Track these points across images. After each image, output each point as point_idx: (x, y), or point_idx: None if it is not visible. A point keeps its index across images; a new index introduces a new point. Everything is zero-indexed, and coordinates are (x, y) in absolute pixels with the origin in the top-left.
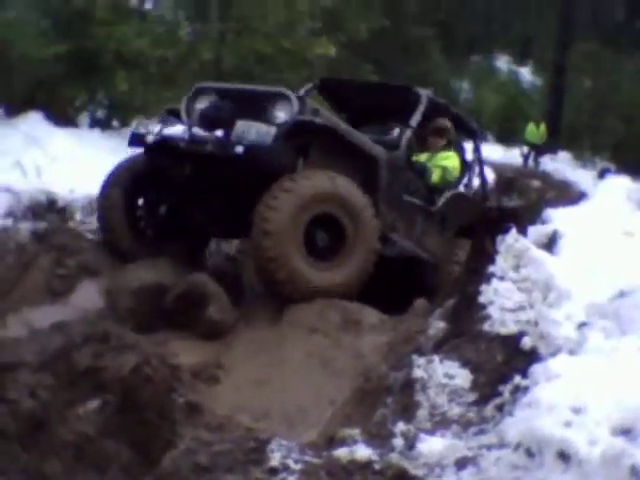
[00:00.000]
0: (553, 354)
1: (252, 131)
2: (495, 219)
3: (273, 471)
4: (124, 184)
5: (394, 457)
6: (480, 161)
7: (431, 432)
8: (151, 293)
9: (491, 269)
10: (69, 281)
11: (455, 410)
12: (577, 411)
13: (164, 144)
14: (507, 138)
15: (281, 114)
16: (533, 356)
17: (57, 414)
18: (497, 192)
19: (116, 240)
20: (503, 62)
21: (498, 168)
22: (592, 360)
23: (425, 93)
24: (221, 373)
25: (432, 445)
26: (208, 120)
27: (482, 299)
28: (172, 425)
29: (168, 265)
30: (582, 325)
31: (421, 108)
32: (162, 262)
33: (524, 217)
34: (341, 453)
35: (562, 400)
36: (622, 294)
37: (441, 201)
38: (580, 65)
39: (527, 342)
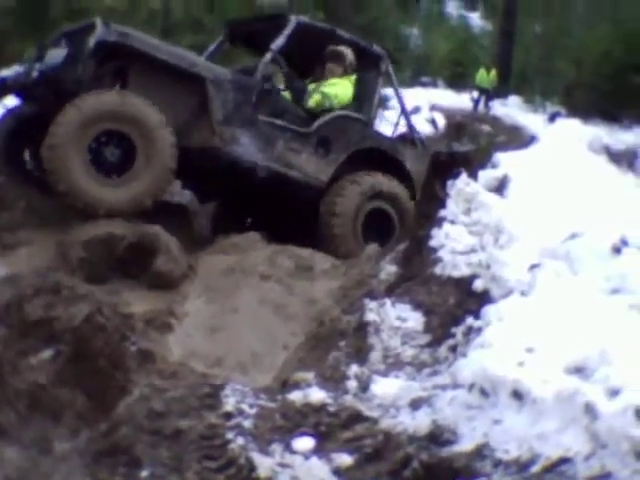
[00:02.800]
0: (505, 296)
1: (52, 57)
2: (445, 163)
3: (228, 415)
4: (7, 129)
5: (348, 399)
6: (396, 90)
7: (385, 374)
8: (102, 244)
9: (442, 213)
10: (18, 233)
11: (408, 352)
12: (530, 351)
13: (7, 85)
14: (458, 83)
15: (90, 40)
16: (485, 298)
17: (10, 365)
18: (447, 136)
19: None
20: (453, 8)
21: (448, 113)
22: (544, 301)
23: (295, 18)
24: (174, 321)
25: (386, 387)
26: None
27: (433, 243)
28: (125, 373)
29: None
30: (533, 266)
31: (286, 32)
32: None
33: (474, 161)
34: (295, 396)
35: (514, 341)
36: (573, 235)
37: (317, 123)
38: (530, 9)
39: (479, 284)
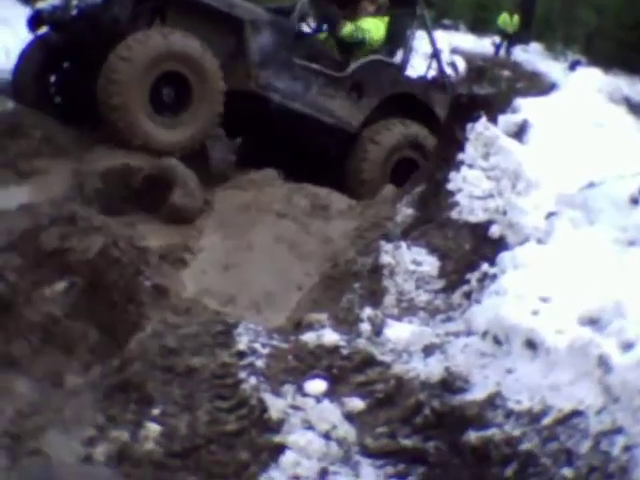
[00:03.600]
0: (521, 243)
1: None
2: (465, 106)
3: (240, 355)
4: (36, 58)
5: (361, 342)
6: (430, 34)
7: (398, 318)
8: (119, 175)
9: (460, 157)
10: (35, 161)
11: (422, 297)
12: (544, 300)
13: (42, 18)
14: (480, 28)
15: None
16: (501, 244)
17: (24, 296)
18: (467, 80)
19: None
20: None
21: (469, 57)
22: (560, 250)
23: None
24: (188, 256)
25: (399, 331)
26: None
27: (450, 186)
28: (139, 307)
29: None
30: (550, 214)
31: None
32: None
33: (494, 105)
34: (308, 338)
35: (529, 289)
36: (591, 184)
37: (352, 67)
38: None
39: (495, 230)
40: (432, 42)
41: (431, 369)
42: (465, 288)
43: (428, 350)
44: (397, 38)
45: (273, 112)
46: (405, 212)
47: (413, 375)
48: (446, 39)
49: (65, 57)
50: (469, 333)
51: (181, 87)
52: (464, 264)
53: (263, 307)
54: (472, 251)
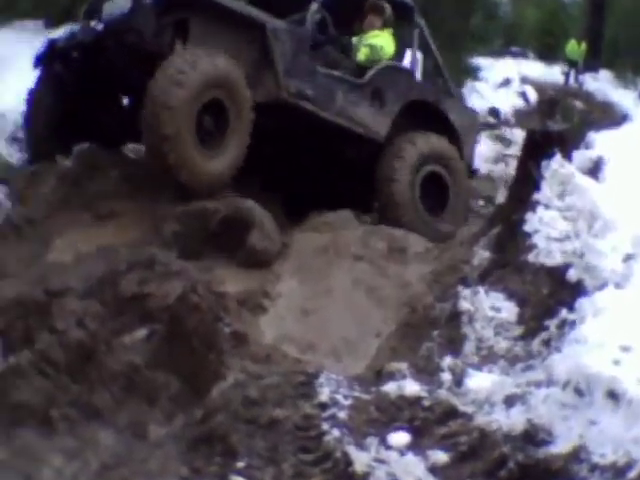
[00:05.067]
0: (599, 287)
1: (114, 8)
2: (540, 143)
3: (323, 406)
4: (48, 101)
5: (443, 393)
6: (427, 42)
7: (478, 367)
8: (196, 217)
9: (536, 196)
10: (112, 202)
11: (502, 344)
12: (625, 349)
13: (56, 49)
14: (548, 55)
15: None
16: (579, 289)
17: (105, 344)
18: (539, 112)
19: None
20: None
21: (539, 86)
22: (639, 294)
23: None
24: (267, 302)
25: (480, 381)
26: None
27: (527, 228)
28: (219, 355)
29: None
30: (628, 257)
31: None
32: None
33: (569, 141)
34: (390, 388)
35: (610, 337)
36: None
37: (369, 74)
38: None
39: (573, 274)
40: (431, 50)
41: (513, 421)
42: (544, 335)
43: (510, 401)
44: (400, 49)
45: (303, 123)
46: (482, 255)
47: (496, 427)
48: (515, 67)
49: (82, 91)
50: (550, 383)
51: (218, 115)
52: (542, 310)
53: (342, 354)
54: (550, 296)
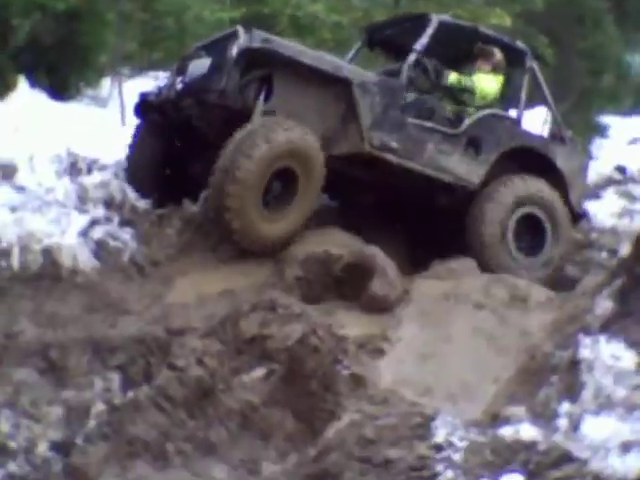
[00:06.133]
0: None
1: (195, 68)
2: None
3: (438, 447)
4: (148, 146)
5: (558, 438)
6: (541, 87)
7: (595, 414)
8: (319, 263)
9: None
10: (236, 248)
11: (620, 392)
12: None
13: (148, 102)
14: None
15: (233, 49)
16: None
17: (223, 382)
18: None
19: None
20: None
21: None
22: None
23: (437, 17)
24: (386, 346)
25: (596, 427)
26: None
27: None
28: (336, 396)
29: (337, 235)
30: None
31: (429, 31)
32: (330, 232)
33: None
34: (506, 432)
35: None
36: None
37: (466, 123)
38: None
39: None
40: (544, 95)
41: (628, 466)
42: None
43: (626, 447)
44: (513, 96)
45: (389, 174)
46: (604, 305)
47: (610, 472)
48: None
49: (177, 138)
50: None
51: (288, 179)
52: None
53: (459, 399)
54: None
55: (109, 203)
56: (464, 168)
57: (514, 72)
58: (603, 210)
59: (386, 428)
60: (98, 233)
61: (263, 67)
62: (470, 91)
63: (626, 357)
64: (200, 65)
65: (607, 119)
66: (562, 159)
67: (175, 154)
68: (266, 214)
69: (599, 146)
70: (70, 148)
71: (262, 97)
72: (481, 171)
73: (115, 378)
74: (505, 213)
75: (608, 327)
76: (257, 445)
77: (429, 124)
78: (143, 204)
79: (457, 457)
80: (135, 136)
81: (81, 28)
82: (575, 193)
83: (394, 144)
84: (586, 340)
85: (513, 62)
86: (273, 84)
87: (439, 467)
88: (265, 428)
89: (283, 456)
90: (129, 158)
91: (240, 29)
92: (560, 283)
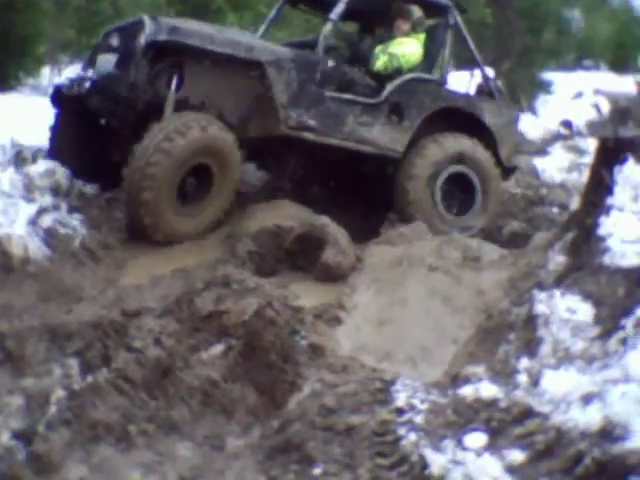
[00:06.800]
0: None
1: (103, 63)
2: (612, 149)
3: (399, 411)
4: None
5: (519, 394)
6: (467, 42)
7: (555, 368)
8: (271, 236)
9: (609, 201)
10: None
11: (578, 345)
12: None
13: (62, 94)
14: (621, 67)
15: (140, 40)
16: None
17: (182, 360)
18: (611, 122)
19: None
20: None
21: (612, 97)
22: None
23: None
24: (343, 314)
25: (556, 381)
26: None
27: (601, 231)
28: (296, 367)
29: (287, 207)
30: None
31: None
32: (280, 204)
33: None
34: (466, 391)
35: None
36: None
37: (387, 90)
38: None
39: None
40: (470, 50)
41: (590, 418)
42: (621, 334)
43: (586, 399)
44: (434, 52)
45: (311, 150)
46: (557, 259)
47: (572, 425)
48: (587, 80)
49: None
50: (627, 380)
51: (203, 175)
52: (619, 310)
53: (419, 362)
54: (626, 296)
55: (56, 191)
56: (387, 137)
57: (436, 28)
58: (552, 166)
59: (347, 395)
60: (47, 221)
61: (173, 55)
62: (398, 70)
63: (582, 309)
64: (107, 60)
65: (550, 75)
66: (490, 115)
67: (96, 141)
68: (181, 209)
69: (544, 102)
70: (13, 138)
71: (174, 86)
72: (405, 138)
73: (74, 364)
74: (434, 170)
75: (562, 281)
76: (220, 421)
77: (348, 96)
78: (91, 190)
79: (419, 419)
80: (55, 124)
81: (17, 19)
82: (505, 148)
83: (312, 122)
84: (541, 295)
85: (436, 17)
86: (184, 71)
87: (402, 431)
88: (227, 403)
89: (246, 430)
90: (50, 144)
91: (146, 18)
92: (511, 240)
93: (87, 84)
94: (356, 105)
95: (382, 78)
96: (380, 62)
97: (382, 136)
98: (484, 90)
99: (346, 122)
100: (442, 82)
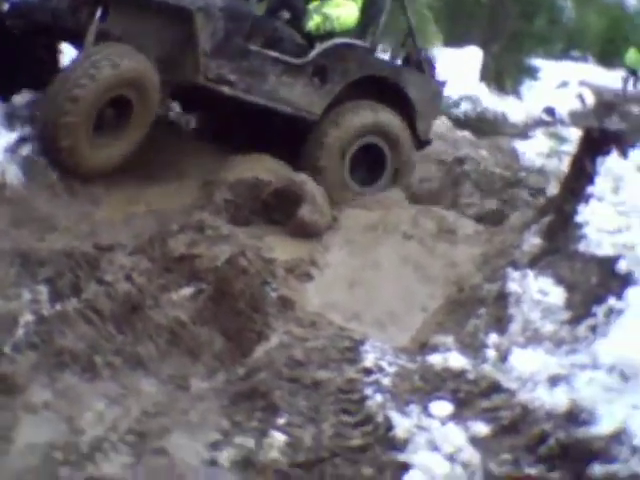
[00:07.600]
0: None
1: None
2: (596, 140)
3: (367, 371)
4: None
5: (487, 368)
6: (404, 9)
7: (523, 346)
8: (248, 187)
9: (590, 190)
10: (166, 169)
11: (548, 327)
12: None
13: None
14: (608, 61)
15: None
16: (628, 280)
17: (152, 298)
18: (596, 114)
19: None
20: None
21: (598, 90)
22: None
23: None
24: (314, 271)
25: (524, 359)
26: None
27: (579, 219)
28: (264, 317)
29: (267, 162)
30: None
31: None
32: (260, 158)
33: (626, 140)
34: (435, 360)
35: None
36: None
37: (314, 52)
38: None
39: (623, 265)
40: (407, 19)
41: (556, 400)
42: (591, 321)
43: (553, 380)
44: (369, 18)
45: (226, 104)
46: (532, 241)
47: (538, 404)
48: (574, 70)
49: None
50: (595, 366)
51: (121, 105)
52: (591, 297)
53: (387, 326)
54: (599, 284)
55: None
56: (306, 99)
57: None
58: (532, 150)
59: (315, 350)
60: (26, 150)
61: None
62: (331, 32)
63: (554, 293)
64: None
65: (538, 62)
66: (414, 87)
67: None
68: (96, 140)
69: (529, 87)
70: None
71: (97, 17)
72: (324, 102)
73: (43, 291)
74: (346, 140)
75: (536, 263)
76: (186, 362)
77: (274, 54)
78: None
79: (386, 381)
80: None
81: None
82: (423, 122)
83: (231, 76)
84: (514, 274)
85: None
86: (108, 6)
87: (368, 390)
88: (194, 346)
89: (212, 374)
90: None
91: None
92: (486, 218)
93: (5, 5)
94: (280, 63)
95: (312, 37)
96: (313, 22)
97: (301, 98)
98: (413, 61)
99: (267, 80)
100: (372, 49)
